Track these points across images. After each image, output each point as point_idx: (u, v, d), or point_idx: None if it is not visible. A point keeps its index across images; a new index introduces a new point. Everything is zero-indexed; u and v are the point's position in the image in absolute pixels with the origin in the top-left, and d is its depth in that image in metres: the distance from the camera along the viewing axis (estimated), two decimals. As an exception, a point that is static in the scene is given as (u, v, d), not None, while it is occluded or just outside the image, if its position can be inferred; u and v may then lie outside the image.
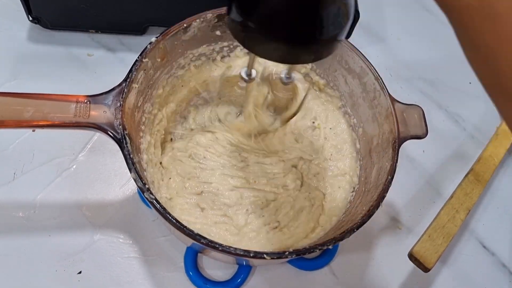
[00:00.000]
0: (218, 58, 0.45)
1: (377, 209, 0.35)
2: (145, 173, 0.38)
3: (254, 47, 0.29)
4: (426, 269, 0.42)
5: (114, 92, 0.36)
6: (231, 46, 0.45)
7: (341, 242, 0.36)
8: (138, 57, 0.38)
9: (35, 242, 0.43)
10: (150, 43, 0.39)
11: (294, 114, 0.47)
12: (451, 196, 0.47)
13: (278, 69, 0.44)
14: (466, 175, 0.48)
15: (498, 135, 0.53)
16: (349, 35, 0.59)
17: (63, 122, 0.34)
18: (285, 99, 0.46)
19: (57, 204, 0.45)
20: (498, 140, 0.52)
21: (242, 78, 0.41)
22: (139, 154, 0.38)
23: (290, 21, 0.26)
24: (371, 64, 0.41)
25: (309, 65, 0.47)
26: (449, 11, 0.29)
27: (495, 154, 0.50)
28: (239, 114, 0.48)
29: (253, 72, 0.41)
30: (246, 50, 0.42)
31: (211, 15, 0.41)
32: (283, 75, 0.42)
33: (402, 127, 0.39)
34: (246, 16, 0.27)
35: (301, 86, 0.45)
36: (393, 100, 0.40)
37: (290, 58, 0.29)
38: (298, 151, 0.46)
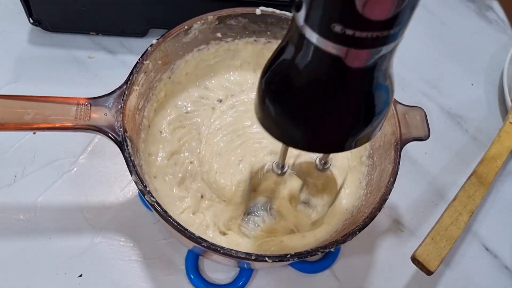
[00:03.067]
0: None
1: (379, 211, 0.35)
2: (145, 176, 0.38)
3: (293, 143, 0.26)
4: (429, 272, 0.42)
5: (115, 95, 0.36)
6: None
7: (343, 245, 0.35)
8: (139, 59, 0.38)
9: (35, 244, 0.43)
10: (151, 45, 0.39)
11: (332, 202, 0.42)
12: (454, 199, 0.46)
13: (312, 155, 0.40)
14: (469, 177, 0.48)
15: (500, 137, 0.52)
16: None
17: (64, 124, 0.34)
18: (319, 187, 0.43)
19: (58, 206, 0.45)
20: (501, 142, 0.51)
21: (273, 171, 0.37)
22: (139, 155, 0.38)
23: (336, 115, 0.24)
24: (373, 66, 0.41)
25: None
26: None
27: (498, 155, 0.50)
28: (267, 209, 0.43)
29: (286, 165, 0.36)
30: None
31: (212, 17, 0.41)
32: (317, 161, 0.37)
33: (404, 129, 0.39)
34: (291, 122, 0.25)
35: (337, 171, 0.42)
36: (395, 101, 0.40)
37: (327, 149, 0.27)
38: None
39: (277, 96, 0.25)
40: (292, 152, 0.40)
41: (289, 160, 0.40)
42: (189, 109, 0.45)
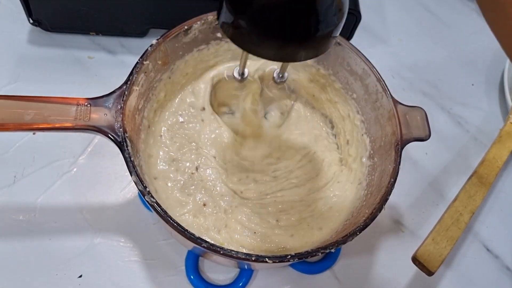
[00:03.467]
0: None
1: (380, 212, 0.35)
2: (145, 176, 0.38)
3: (248, 45, 0.29)
4: (430, 273, 0.42)
5: (114, 95, 0.36)
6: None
7: (343, 246, 0.35)
8: (138, 60, 0.38)
9: (35, 245, 0.43)
10: (151, 46, 0.39)
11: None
12: (455, 199, 0.46)
13: (272, 67, 0.43)
14: (469, 178, 0.48)
15: (501, 137, 0.52)
16: (350, 36, 0.59)
17: (64, 125, 0.34)
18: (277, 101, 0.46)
19: (58, 207, 0.45)
20: (502, 142, 0.51)
21: (234, 78, 0.40)
22: (139, 156, 0.38)
23: (285, 18, 0.26)
24: (373, 66, 0.41)
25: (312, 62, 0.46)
26: None
27: (499, 156, 0.50)
28: (232, 113, 0.46)
29: (246, 71, 0.40)
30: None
31: (212, 17, 0.41)
32: (275, 74, 0.41)
33: (404, 129, 0.39)
34: (238, 13, 0.27)
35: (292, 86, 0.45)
36: (395, 102, 0.40)
37: (284, 56, 0.29)
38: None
39: (237, 5, 0.27)
40: (255, 65, 0.44)
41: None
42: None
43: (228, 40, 0.43)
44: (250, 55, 0.31)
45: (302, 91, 0.48)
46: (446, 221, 0.44)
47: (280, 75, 0.40)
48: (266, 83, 0.45)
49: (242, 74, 0.40)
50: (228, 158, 0.44)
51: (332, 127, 0.48)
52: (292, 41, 0.27)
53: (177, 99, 0.45)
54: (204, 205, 0.41)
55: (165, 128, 0.44)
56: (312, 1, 0.26)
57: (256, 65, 0.45)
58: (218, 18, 0.30)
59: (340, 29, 0.29)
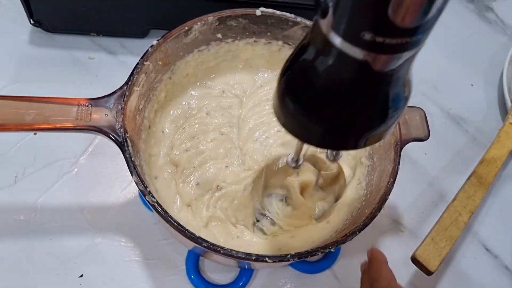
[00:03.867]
0: None
1: (379, 212, 0.35)
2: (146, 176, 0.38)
3: (309, 140, 0.27)
4: (429, 272, 0.42)
5: (115, 95, 0.36)
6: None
7: (343, 245, 0.35)
8: (139, 60, 0.38)
9: (36, 245, 0.43)
10: (151, 46, 0.39)
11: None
12: (454, 199, 0.46)
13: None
14: (468, 178, 0.48)
15: (500, 137, 0.52)
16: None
17: (65, 125, 0.34)
18: (330, 179, 0.44)
19: (58, 207, 0.45)
20: (501, 143, 0.52)
21: (288, 164, 0.37)
22: (140, 156, 0.38)
23: (353, 114, 0.25)
24: (373, 67, 0.41)
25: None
26: None
27: (498, 156, 0.50)
28: (283, 200, 0.44)
29: (301, 158, 0.37)
30: None
31: (212, 18, 0.41)
32: (328, 152, 0.37)
33: (404, 130, 0.39)
34: (309, 120, 0.25)
35: (346, 164, 0.44)
36: (394, 102, 0.40)
37: (342, 146, 0.28)
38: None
39: (297, 95, 0.25)
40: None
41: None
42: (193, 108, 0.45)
43: (228, 41, 0.44)
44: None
45: None
46: (445, 221, 0.44)
47: (334, 153, 0.37)
48: (321, 164, 0.43)
49: (296, 161, 0.37)
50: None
51: None
52: (355, 134, 0.26)
53: (178, 99, 0.45)
54: (205, 205, 0.41)
55: (166, 128, 0.44)
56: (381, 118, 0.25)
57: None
58: (275, 107, 0.27)
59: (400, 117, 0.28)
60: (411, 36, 0.20)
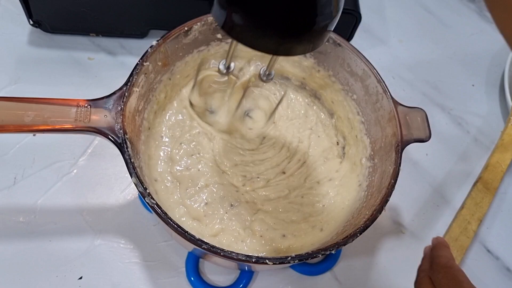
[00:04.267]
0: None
1: (380, 213, 0.35)
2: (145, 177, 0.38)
3: (242, 37, 0.28)
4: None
5: (115, 96, 0.36)
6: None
7: (344, 247, 0.35)
8: (139, 61, 0.38)
9: (35, 247, 0.43)
10: (151, 47, 0.38)
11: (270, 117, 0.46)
12: (462, 207, 0.46)
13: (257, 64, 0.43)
14: (474, 184, 0.48)
15: (503, 140, 0.52)
16: (351, 37, 0.59)
17: (64, 126, 0.34)
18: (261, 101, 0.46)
19: (58, 208, 0.45)
20: (504, 146, 0.51)
21: (219, 70, 0.39)
22: (139, 157, 0.38)
23: (282, 9, 0.26)
24: (373, 67, 0.41)
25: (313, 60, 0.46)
26: None
27: (502, 160, 0.50)
28: (212, 112, 0.46)
29: (232, 65, 0.39)
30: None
31: (212, 18, 0.41)
32: (261, 71, 0.40)
33: (405, 130, 0.39)
34: (232, 3, 0.26)
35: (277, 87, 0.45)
36: (395, 103, 0.40)
37: (278, 50, 0.28)
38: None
39: None
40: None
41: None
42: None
43: (228, 41, 0.44)
44: (238, 48, 0.30)
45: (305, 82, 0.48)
46: (455, 230, 0.44)
47: (267, 73, 0.39)
48: (252, 81, 0.44)
49: (228, 67, 0.39)
50: (225, 160, 0.44)
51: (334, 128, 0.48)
52: (288, 34, 0.27)
53: (177, 100, 0.45)
54: (205, 206, 0.41)
55: (165, 130, 0.44)
56: None
57: (240, 63, 0.44)
58: (211, 8, 0.29)
59: (335, 24, 0.29)
60: None
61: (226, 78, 0.43)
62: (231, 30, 0.28)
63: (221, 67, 0.39)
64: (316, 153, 0.46)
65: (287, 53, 0.29)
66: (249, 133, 0.45)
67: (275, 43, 0.28)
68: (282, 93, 0.48)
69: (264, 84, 0.44)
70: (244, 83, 0.44)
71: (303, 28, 0.27)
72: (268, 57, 0.38)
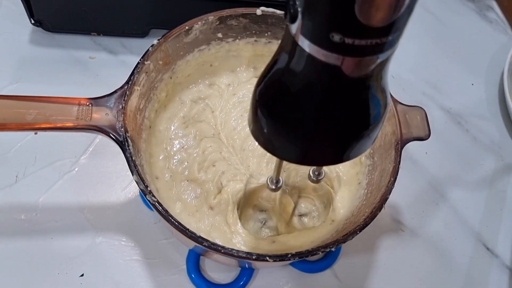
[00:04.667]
0: None
1: (379, 211, 0.35)
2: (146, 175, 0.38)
3: (283, 154, 0.26)
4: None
5: (116, 95, 0.36)
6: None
7: (343, 244, 0.35)
8: (140, 60, 0.38)
9: (37, 244, 0.43)
10: (152, 46, 0.39)
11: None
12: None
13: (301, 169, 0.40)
14: None
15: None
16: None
17: (65, 124, 0.34)
18: (315, 200, 0.43)
19: (59, 206, 0.45)
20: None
21: (268, 187, 0.36)
22: (140, 155, 0.38)
23: (338, 127, 0.23)
24: (373, 66, 0.41)
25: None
26: None
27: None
28: (264, 223, 0.43)
29: (281, 180, 0.35)
30: None
31: (212, 17, 0.41)
32: (311, 173, 0.36)
33: (404, 129, 0.39)
34: (285, 135, 0.24)
35: (331, 181, 0.43)
36: (395, 101, 0.40)
37: (318, 161, 0.27)
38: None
39: (269, 106, 0.24)
40: (286, 165, 0.40)
41: (283, 174, 0.40)
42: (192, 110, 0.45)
43: (229, 40, 0.44)
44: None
45: None
46: None
47: (317, 173, 0.35)
48: (305, 186, 0.42)
49: (276, 182, 0.35)
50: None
51: None
52: (340, 146, 0.25)
53: (177, 99, 0.45)
54: (207, 204, 0.41)
55: (166, 128, 0.44)
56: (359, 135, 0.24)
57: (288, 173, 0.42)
58: (250, 125, 0.26)
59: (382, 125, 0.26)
60: (381, 37, 0.19)
61: (276, 193, 0.40)
62: (282, 155, 0.26)
63: (269, 182, 0.35)
64: None
65: (330, 164, 0.27)
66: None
67: (320, 159, 0.26)
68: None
69: (316, 185, 0.40)
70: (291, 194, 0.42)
71: (342, 159, 0.25)
72: None
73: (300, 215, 0.43)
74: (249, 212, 0.43)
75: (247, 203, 0.43)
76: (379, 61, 0.21)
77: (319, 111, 0.23)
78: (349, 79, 0.21)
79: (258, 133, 0.25)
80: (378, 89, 0.23)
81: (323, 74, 0.21)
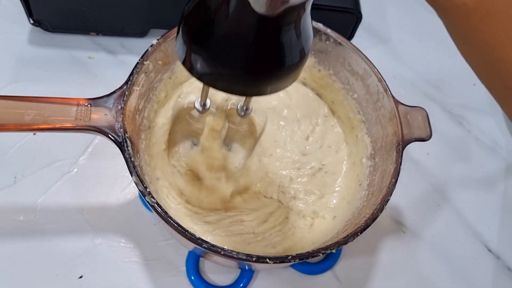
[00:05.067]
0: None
1: (381, 212, 0.35)
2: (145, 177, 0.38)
3: (208, 79, 0.28)
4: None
5: (115, 95, 0.36)
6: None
7: (344, 246, 0.35)
8: (139, 60, 0.38)
9: (35, 246, 0.42)
10: (151, 46, 0.38)
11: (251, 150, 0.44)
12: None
13: (236, 99, 0.41)
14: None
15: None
16: (351, 36, 0.59)
17: (64, 125, 0.34)
18: (242, 133, 0.44)
19: (58, 208, 0.45)
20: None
21: (195, 108, 0.39)
22: (139, 156, 0.38)
23: (247, 54, 0.26)
24: (374, 66, 0.41)
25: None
26: (442, 10, 0.29)
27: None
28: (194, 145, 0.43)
29: (208, 102, 0.38)
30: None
31: (212, 17, 0.41)
32: (239, 107, 0.38)
33: (406, 130, 0.39)
34: (195, 44, 0.26)
35: (258, 119, 0.43)
36: (396, 102, 0.40)
37: (244, 91, 0.28)
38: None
39: (194, 34, 0.26)
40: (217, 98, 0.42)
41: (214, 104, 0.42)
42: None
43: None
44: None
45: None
46: None
47: (245, 108, 0.38)
48: (232, 118, 0.43)
49: (204, 105, 0.38)
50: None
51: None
52: (254, 77, 0.27)
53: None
54: (207, 204, 0.41)
55: (166, 128, 0.43)
56: (276, 37, 0.25)
57: (218, 98, 0.42)
58: (176, 45, 0.28)
59: (302, 68, 0.29)
60: None
61: (202, 116, 0.41)
62: (197, 73, 0.28)
63: (197, 105, 0.38)
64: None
65: (251, 94, 0.30)
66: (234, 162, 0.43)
67: (240, 87, 0.28)
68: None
69: (242, 119, 0.42)
70: (218, 121, 0.42)
71: (271, 70, 0.27)
72: None
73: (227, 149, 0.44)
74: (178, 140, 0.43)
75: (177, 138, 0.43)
76: (290, 4, 0.23)
77: (234, 42, 0.25)
78: (261, 17, 0.23)
79: (183, 55, 0.28)
80: (295, 33, 0.26)
81: (237, 8, 0.24)
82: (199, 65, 0.27)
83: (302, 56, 0.28)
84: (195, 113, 0.42)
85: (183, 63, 0.28)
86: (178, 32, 0.28)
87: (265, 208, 0.41)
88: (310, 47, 0.28)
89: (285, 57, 0.26)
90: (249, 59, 0.26)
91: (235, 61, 0.26)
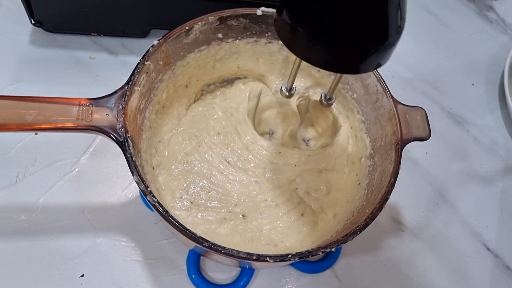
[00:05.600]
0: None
1: (380, 211, 0.35)
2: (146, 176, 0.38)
3: (305, 53, 0.28)
4: None
5: (116, 95, 0.36)
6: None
7: (344, 245, 0.35)
8: (140, 60, 0.38)
9: (37, 245, 0.43)
10: (152, 46, 0.39)
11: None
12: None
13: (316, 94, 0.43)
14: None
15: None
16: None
17: (66, 125, 0.34)
18: (321, 126, 0.46)
19: (60, 207, 0.45)
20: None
21: (281, 93, 0.38)
22: (140, 156, 0.38)
23: (350, 27, 0.25)
24: (374, 66, 0.41)
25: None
26: None
27: None
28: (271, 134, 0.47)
29: (294, 87, 0.37)
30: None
31: (213, 17, 0.41)
32: (322, 96, 0.38)
33: (405, 129, 0.39)
34: (299, 20, 0.26)
35: (341, 117, 0.45)
36: (395, 102, 0.40)
37: (343, 66, 0.28)
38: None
39: (294, 8, 0.26)
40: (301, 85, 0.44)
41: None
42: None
43: (229, 40, 0.44)
44: (300, 69, 0.30)
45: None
46: None
47: (328, 97, 0.37)
48: (314, 107, 0.45)
49: (290, 89, 0.37)
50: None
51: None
52: (354, 51, 0.27)
53: (181, 99, 0.45)
54: (208, 205, 0.41)
55: (167, 128, 0.44)
56: (380, 8, 0.25)
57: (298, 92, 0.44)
58: (275, 23, 0.29)
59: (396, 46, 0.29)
60: None
61: (287, 100, 0.42)
62: (295, 47, 0.28)
63: (283, 89, 0.38)
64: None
65: (354, 71, 0.29)
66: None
67: (339, 60, 0.27)
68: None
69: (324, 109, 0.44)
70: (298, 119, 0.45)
71: (371, 45, 0.27)
72: (327, 83, 0.38)
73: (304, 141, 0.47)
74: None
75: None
76: None
77: (338, 13, 0.25)
78: None
79: (283, 33, 0.27)
80: (396, 5, 0.25)
81: None
82: (299, 42, 0.27)
83: (399, 32, 0.27)
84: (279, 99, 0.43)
85: (282, 38, 0.28)
86: (279, 13, 0.28)
87: (288, 202, 0.43)
88: (404, 22, 0.28)
89: (388, 28, 0.26)
90: (353, 28, 0.25)
91: (338, 39, 0.26)
